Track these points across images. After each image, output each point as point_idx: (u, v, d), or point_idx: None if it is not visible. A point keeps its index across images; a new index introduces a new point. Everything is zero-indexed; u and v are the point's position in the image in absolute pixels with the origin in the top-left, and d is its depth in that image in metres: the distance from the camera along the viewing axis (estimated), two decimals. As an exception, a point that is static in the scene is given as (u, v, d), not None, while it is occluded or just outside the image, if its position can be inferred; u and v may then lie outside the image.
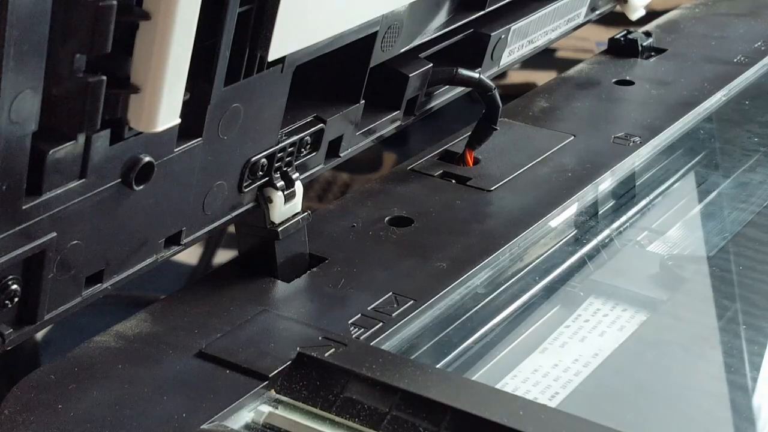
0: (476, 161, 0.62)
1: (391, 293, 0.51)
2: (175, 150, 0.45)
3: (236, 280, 0.51)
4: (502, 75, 0.68)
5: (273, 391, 0.45)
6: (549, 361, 0.51)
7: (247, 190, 0.50)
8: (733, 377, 0.51)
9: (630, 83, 0.72)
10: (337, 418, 0.43)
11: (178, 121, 0.42)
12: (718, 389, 0.50)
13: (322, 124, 0.52)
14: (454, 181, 0.60)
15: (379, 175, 0.64)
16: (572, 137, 0.65)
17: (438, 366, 0.49)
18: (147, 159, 0.43)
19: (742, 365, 0.51)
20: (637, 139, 0.64)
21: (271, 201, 0.51)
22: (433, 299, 0.51)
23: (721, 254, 0.61)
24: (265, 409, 0.44)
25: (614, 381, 0.50)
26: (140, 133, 0.42)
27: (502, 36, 0.63)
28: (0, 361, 0.47)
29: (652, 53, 0.76)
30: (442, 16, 0.58)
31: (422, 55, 0.58)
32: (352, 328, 0.49)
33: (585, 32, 0.75)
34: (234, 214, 0.50)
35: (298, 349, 0.46)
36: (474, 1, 0.60)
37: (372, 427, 0.43)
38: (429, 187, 0.59)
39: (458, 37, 0.60)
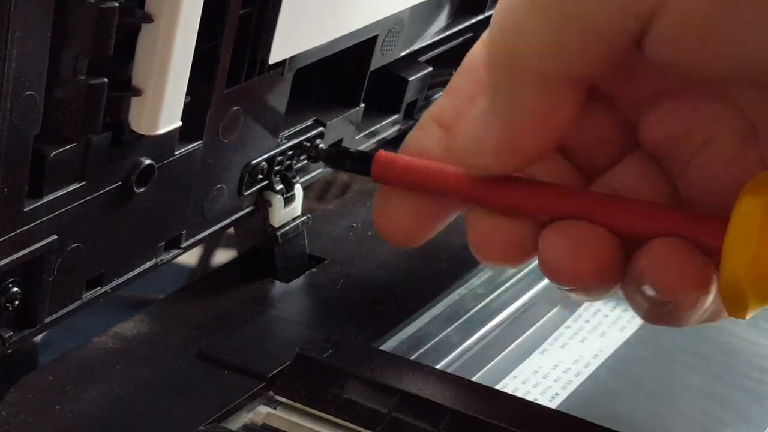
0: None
1: (390, 293, 0.51)
2: (176, 153, 0.45)
3: (235, 280, 0.51)
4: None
5: (272, 392, 0.45)
6: (549, 361, 0.51)
7: (246, 193, 0.50)
8: (734, 378, 0.51)
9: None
10: (336, 419, 0.43)
11: (179, 124, 0.42)
12: (719, 390, 0.50)
13: (322, 128, 0.52)
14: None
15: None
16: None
17: (438, 366, 0.49)
18: (148, 162, 0.43)
19: (744, 366, 0.52)
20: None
21: (270, 204, 0.51)
22: (433, 299, 0.51)
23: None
24: (264, 410, 0.44)
25: (615, 382, 0.50)
26: (141, 135, 0.42)
27: (502, 39, 0.63)
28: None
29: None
30: (441, 20, 0.58)
31: (422, 58, 0.58)
32: (351, 328, 0.49)
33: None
34: (234, 217, 0.50)
35: (297, 349, 0.46)
36: (473, 5, 0.60)
37: (371, 428, 0.43)
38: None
39: (458, 40, 0.60)
